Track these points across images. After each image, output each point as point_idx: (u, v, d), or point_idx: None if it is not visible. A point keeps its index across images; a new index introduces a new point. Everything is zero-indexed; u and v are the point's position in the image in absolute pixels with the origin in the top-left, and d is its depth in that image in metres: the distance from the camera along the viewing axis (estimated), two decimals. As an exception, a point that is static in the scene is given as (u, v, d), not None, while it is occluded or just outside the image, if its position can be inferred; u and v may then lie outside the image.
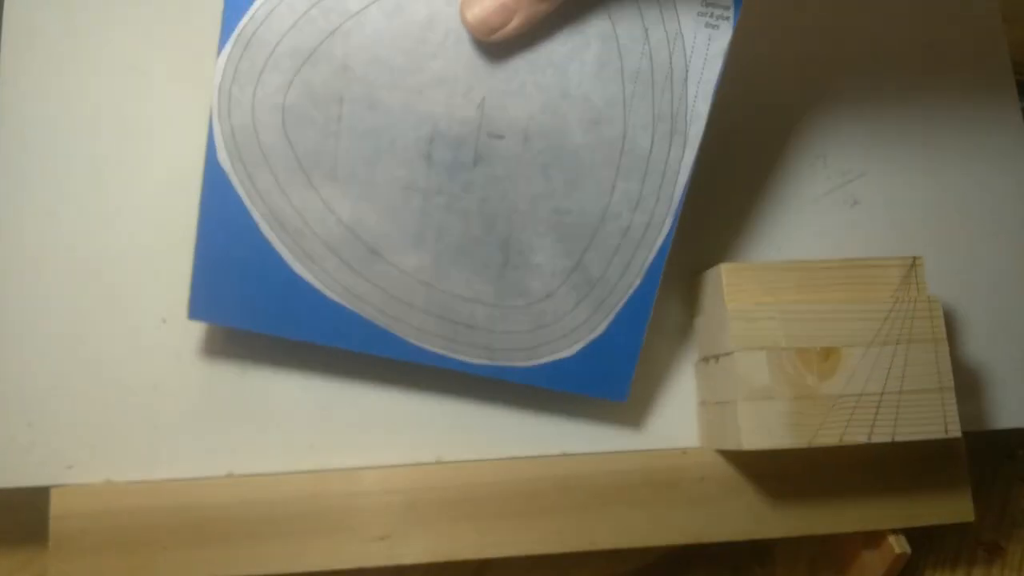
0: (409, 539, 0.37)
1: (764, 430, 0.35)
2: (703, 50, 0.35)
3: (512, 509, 0.38)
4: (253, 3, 0.34)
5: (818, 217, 0.45)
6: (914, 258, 0.39)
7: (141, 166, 0.41)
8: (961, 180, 0.46)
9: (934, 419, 0.36)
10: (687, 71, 0.35)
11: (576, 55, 0.34)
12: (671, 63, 0.35)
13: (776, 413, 0.35)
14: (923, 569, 0.47)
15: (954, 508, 0.41)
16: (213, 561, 0.36)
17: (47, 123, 0.41)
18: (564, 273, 0.37)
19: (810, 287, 0.38)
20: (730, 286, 0.38)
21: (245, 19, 0.34)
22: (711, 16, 0.34)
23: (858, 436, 0.36)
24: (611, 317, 0.37)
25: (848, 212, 0.45)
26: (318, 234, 0.36)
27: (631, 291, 0.37)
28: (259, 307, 0.36)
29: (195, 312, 0.36)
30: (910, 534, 0.40)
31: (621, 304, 0.37)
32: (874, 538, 0.41)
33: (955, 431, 0.36)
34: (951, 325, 0.43)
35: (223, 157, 0.35)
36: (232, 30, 0.34)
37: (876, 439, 0.36)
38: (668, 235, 0.36)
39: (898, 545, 0.40)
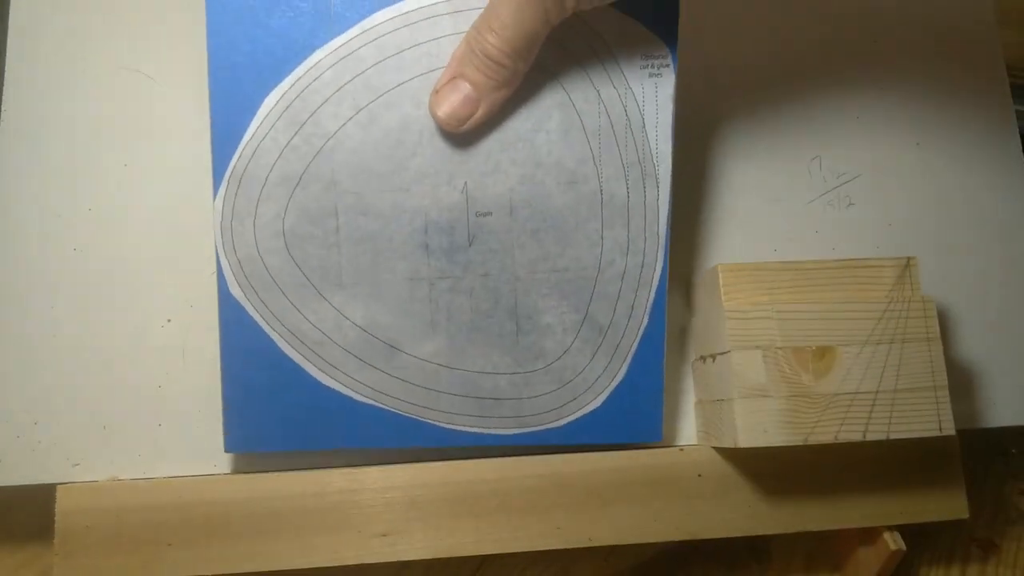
0: (410, 536, 0.38)
1: (760, 428, 0.36)
2: (653, 98, 0.37)
3: (512, 506, 0.38)
4: (240, 143, 0.36)
5: (814, 218, 0.45)
6: (908, 258, 0.39)
7: (146, 168, 0.41)
8: (955, 181, 0.46)
9: (928, 417, 0.36)
10: (643, 119, 0.37)
11: (541, 127, 0.37)
12: (627, 115, 0.37)
13: (772, 411, 0.36)
14: (918, 566, 0.47)
15: (949, 505, 0.41)
16: (216, 558, 0.37)
17: (53, 125, 0.41)
18: (575, 327, 0.38)
19: (805, 287, 0.38)
20: (726, 286, 0.38)
21: (234, 159, 0.36)
22: (652, 67, 0.37)
23: (853, 434, 0.36)
24: (628, 360, 0.38)
25: (843, 213, 0.45)
26: (336, 341, 0.37)
27: (641, 331, 0.38)
28: (292, 426, 0.37)
29: (231, 445, 0.37)
30: (905, 531, 0.41)
31: (635, 345, 0.38)
32: (869, 535, 0.42)
33: (949, 429, 0.36)
34: (945, 324, 0.44)
35: (235, 290, 0.37)
36: (224, 171, 0.36)
37: (871, 437, 0.36)
38: (663, 271, 0.38)
39: (893, 542, 0.40)
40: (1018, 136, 0.48)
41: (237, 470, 0.39)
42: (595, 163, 0.37)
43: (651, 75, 0.37)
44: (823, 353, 0.37)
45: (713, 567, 0.46)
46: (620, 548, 0.43)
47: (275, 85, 0.36)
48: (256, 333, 0.37)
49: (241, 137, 0.36)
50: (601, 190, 0.37)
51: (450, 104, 0.35)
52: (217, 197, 0.36)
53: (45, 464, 0.38)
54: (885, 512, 0.41)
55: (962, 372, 0.44)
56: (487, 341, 0.38)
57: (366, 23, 0.36)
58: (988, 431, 0.43)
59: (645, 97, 0.37)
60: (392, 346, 0.37)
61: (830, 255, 0.44)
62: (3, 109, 0.41)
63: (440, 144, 0.36)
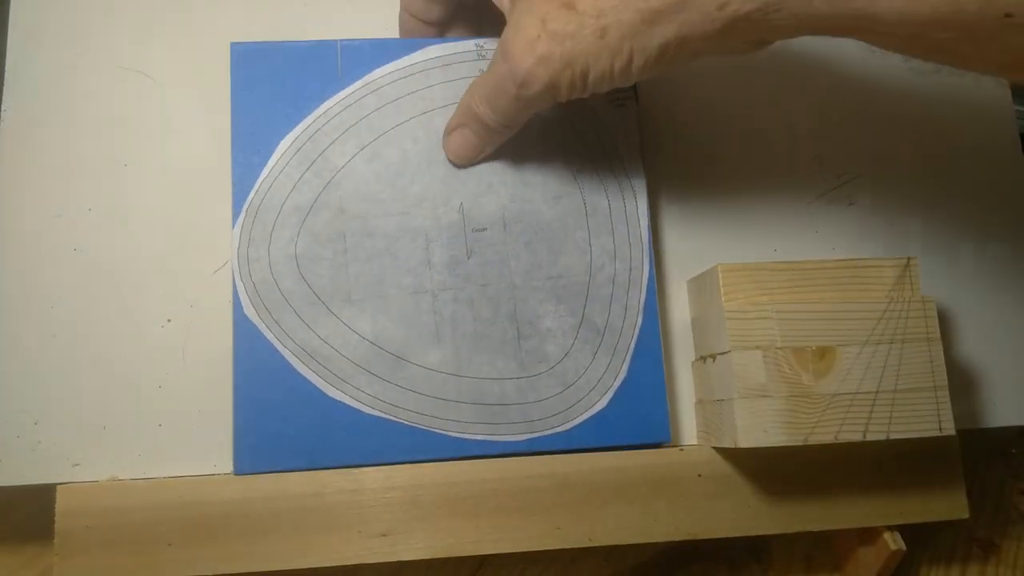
0: (410, 536, 0.38)
1: (760, 428, 0.36)
2: (620, 123, 0.42)
3: (512, 506, 0.38)
4: (257, 179, 0.39)
5: (814, 218, 0.45)
6: (908, 258, 0.39)
7: (147, 167, 0.41)
8: (955, 181, 0.46)
9: (928, 417, 0.36)
10: (614, 141, 0.42)
11: (527, 152, 0.41)
12: (599, 139, 0.42)
13: (772, 411, 0.36)
14: (918, 566, 0.47)
15: (949, 505, 0.41)
16: (217, 558, 0.37)
17: (53, 124, 0.41)
18: (573, 330, 0.40)
19: (805, 287, 0.38)
20: (727, 286, 0.38)
21: (252, 193, 0.39)
22: (617, 100, 0.42)
23: (853, 434, 0.36)
24: (628, 358, 0.40)
25: (844, 213, 0.45)
26: (345, 355, 0.38)
27: (637, 329, 0.40)
28: (302, 444, 0.38)
29: (241, 467, 0.37)
30: (905, 531, 0.41)
31: (633, 343, 0.40)
32: (869, 535, 0.42)
33: (949, 429, 0.36)
34: (945, 324, 0.44)
35: (250, 312, 0.38)
36: (243, 203, 0.39)
37: (871, 437, 0.36)
38: (651, 271, 0.41)
39: (893, 542, 0.40)
40: (1018, 136, 0.48)
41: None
42: (576, 181, 0.41)
43: (617, 105, 0.42)
44: (823, 353, 0.37)
45: (713, 567, 0.46)
46: (620, 548, 0.43)
47: (288, 132, 0.40)
48: (268, 351, 0.38)
49: (258, 175, 0.39)
50: (585, 203, 0.41)
51: (458, 147, 0.40)
52: (235, 226, 0.39)
53: (45, 464, 0.38)
54: (885, 512, 0.41)
55: (962, 372, 0.44)
56: (491, 347, 0.39)
57: (368, 77, 0.41)
58: (988, 431, 0.44)
59: (613, 123, 0.42)
60: (399, 357, 0.39)
61: (830, 255, 0.44)
62: (3, 109, 0.41)
63: (437, 172, 0.40)
